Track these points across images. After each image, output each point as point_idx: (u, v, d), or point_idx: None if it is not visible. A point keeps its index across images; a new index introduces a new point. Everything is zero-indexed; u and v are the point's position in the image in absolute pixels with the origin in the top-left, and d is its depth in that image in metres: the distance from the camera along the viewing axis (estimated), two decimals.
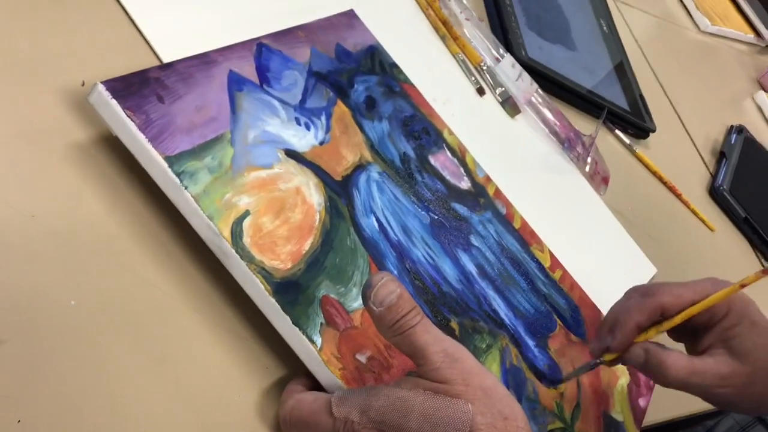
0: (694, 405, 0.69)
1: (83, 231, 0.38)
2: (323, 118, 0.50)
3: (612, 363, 0.49)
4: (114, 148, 0.41)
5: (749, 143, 1.06)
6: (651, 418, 0.62)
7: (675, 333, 0.50)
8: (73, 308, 0.36)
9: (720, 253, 0.90)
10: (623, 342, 0.47)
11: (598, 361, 0.49)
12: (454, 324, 0.48)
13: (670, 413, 0.66)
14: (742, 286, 0.45)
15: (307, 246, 0.42)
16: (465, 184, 0.58)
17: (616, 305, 0.49)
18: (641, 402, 0.59)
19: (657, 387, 0.62)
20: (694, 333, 0.48)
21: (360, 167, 0.50)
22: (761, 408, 0.47)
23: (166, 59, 0.46)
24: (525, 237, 0.60)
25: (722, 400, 0.46)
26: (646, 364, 0.46)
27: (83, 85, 0.43)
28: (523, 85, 0.76)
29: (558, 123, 0.77)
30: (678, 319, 0.47)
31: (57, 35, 0.44)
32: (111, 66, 0.45)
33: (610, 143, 0.88)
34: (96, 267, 0.38)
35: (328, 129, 0.49)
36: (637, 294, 0.48)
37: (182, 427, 0.37)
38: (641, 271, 0.74)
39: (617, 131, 0.89)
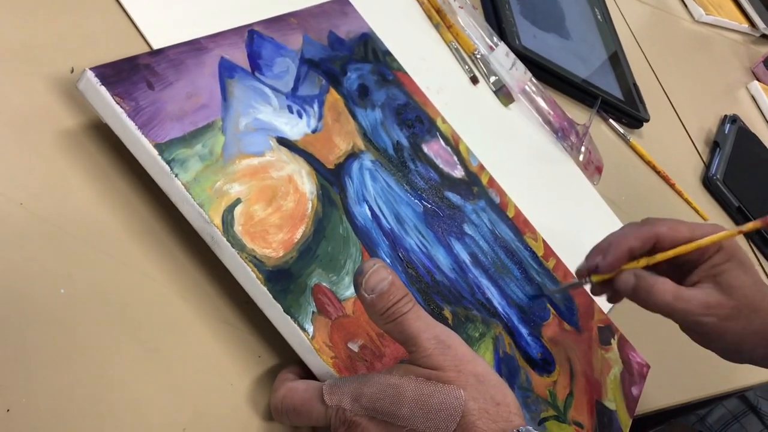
0: (686, 394, 0.70)
1: (72, 219, 0.38)
2: (315, 106, 0.49)
3: (599, 288, 0.49)
4: (103, 135, 0.41)
5: (743, 133, 1.06)
6: (643, 407, 0.63)
7: (661, 268, 0.50)
8: (62, 296, 0.36)
9: None
10: (613, 263, 0.47)
11: (585, 280, 0.49)
12: (447, 313, 0.48)
13: (662, 402, 0.66)
14: (740, 231, 0.47)
15: (299, 234, 0.42)
16: (458, 173, 0.58)
17: (611, 233, 0.50)
18: (634, 391, 0.59)
19: (650, 376, 0.62)
20: (680, 270, 0.49)
21: (353, 155, 0.50)
22: (741, 347, 0.48)
23: (156, 46, 0.46)
24: (518, 226, 0.60)
25: (704, 330, 0.47)
26: (636, 288, 0.47)
27: (72, 72, 0.42)
28: (517, 74, 0.75)
29: (552, 112, 0.77)
30: (672, 253, 0.47)
31: (46, 22, 0.44)
32: (101, 53, 0.44)
33: (603, 132, 0.88)
34: (86, 255, 0.38)
35: (320, 117, 0.49)
36: (634, 224, 0.49)
37: (174, 416, 0.37)
38: None
39: (611, 120, 0.89)
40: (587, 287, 0.51)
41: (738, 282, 0.47)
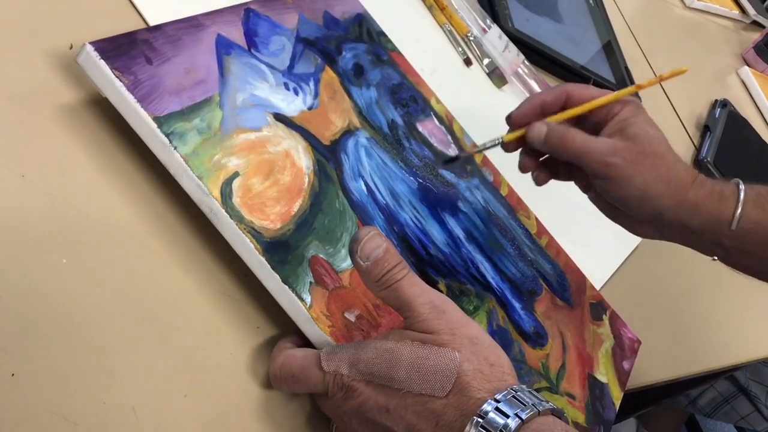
0: (678, 370, 0.71)
1: (73, 191, 0.39)
2: (311, 83, 0.50)
3: (513, 144, 0.52)
4: (103, 109, 0.41)
5: (733, 117, 1.07)
6: (635, 381, 0.64)
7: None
8: (64, 266, 0.37)
9: None
10: (525, 113, 0.51)
11: (498, 139, 0.52)
12: (441, 286, 0.49)
13: (653, 377, 0.67)
14: (639, 87, 0.51)
15: (296, 207, 0.43)
16: (452, 152, 0.59)
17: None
18: (625, 365, 0.60)
19: (641, 352, 0.63)
20: (592, 130, 0.51)
21: (348, 132, 0.50)
22: (648, 193, 0.48)
23: (153, 23, 0.46)
24: (512, 204, 0.61)
25: (613, 173, 0.48)
26: (547, 136, 0.49)
27: (71, 48, 0.43)
28: (510, 56, 0.76)
29: None
30: (580, 109, 0.50)
31: None
32: (98, 30, 0.44)
33: None
34: (86, 227, 0.38)
35: (316, 94, 0.50)
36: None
37: (174, 385, 0.37)
38: (626, 239, 0.75)
39: None
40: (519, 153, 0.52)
41: (644, 132, 0.48)
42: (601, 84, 0.87)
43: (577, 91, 0.51)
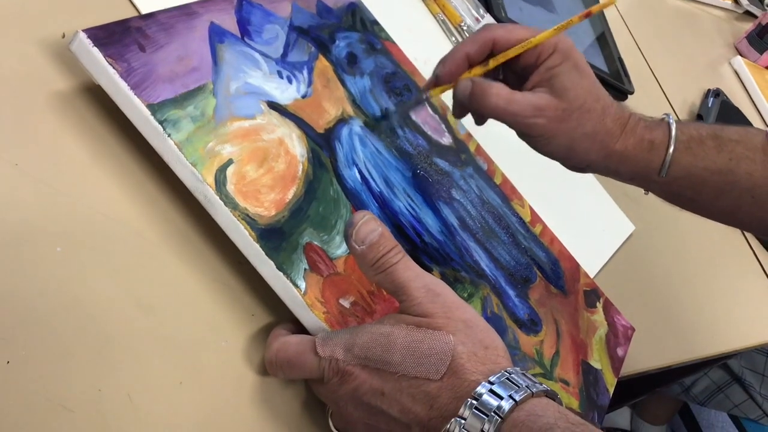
0: (671, 357, 0.71)
1: (67, 179, 0.39)
2: (305, 72, 0.50)
3: (439, 101, 0.49)
4: (96, 97, 0.41)
5: (726, 106, 1.07)
6: (629, 368, 0.64)
7: (503, 78, 0.50)
8: (59, 254, 0.37)
9: None
10: (450, 70, 0.48)
11: (424, 96, 0.50)
12: (436, 273, 0.49)
13: (647, 364, 0.68)
14: (564, 27, 0.46)
15: (290, 195, 0.43)
16: (446, 140, 0.59)
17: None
18: (619, 351, 0.61)
19: (635, 340, 0.64)
20: (520, 77, 0.49)
21: (342, 121, 0.50)
22: (574, 148, 0.48)
23: (145, 12, 0.46)
24: (506, 192, 0.61)
25: (535, 131, 0.47)
26: (471, 93, 0.47)
27: (63, 37, 0.43)
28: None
29: None
30: (503, 57, 0.47)
31: None
32: (90, 18, 0.44)
33: None
34: (80, 214, 0.38)
35: (310, 83, 0.50)
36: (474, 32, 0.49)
37: (170, 373, 0.38)
38: (620, 228, 0.76)
39: None
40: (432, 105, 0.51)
41: (571, 84, 0.46)
42: (596, 75, 0.87)
43: (504, 34, 0.47)
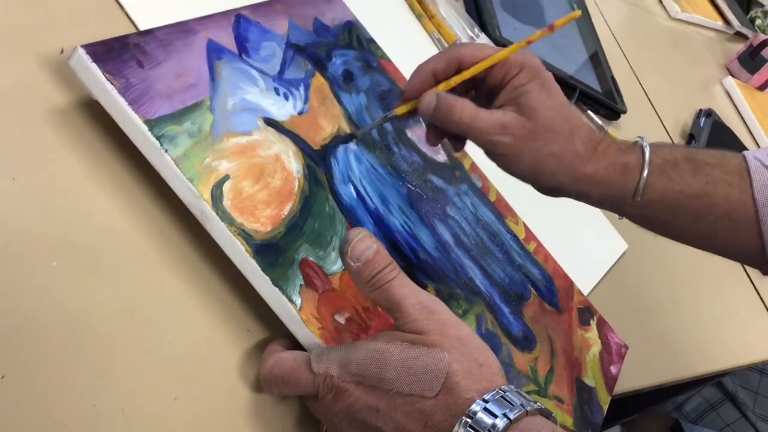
0: (664, 375, 0.71)
1: (64, 194, 0.39)
2: (301, 89, 0.50)
3: (406, 116, 0.49)
4: (94, 112, 0.41)
5: (717, 126, 1.09)
6: (622, 386, 0.64)
7: (470, 96, 0.50)
8: (54, 269, 0.37)
9: None
10: (416, 86, 0.47)
11: (389, 113, 0.49)
12: (431, 290, 0.49)
13: (640, 382, 0.68)
14: (529, 42, 0.46)
15: (286, 210, 0.43)
16: (441, 157, 0.59)
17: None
18: (613, 369, 0.61)
19: (628, 357, 0.64)
20: (488, 95, 0.48)
21: (338, 137, 0.51)
22: (540, 169, 0.47)
23: (143, 28, 0.47)
24: (500, 209, 0.61)
25: (501, 150, 0.46)
26: (436, 108, 0.46)
27: (62, 52, 0.43)
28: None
29: None
30: (468, 73, 0.46)
31: (34, 4, 0.44)
32: (89, 34, 0.44)
33: None
34: (77, 230, 0.38)
35: (306, 100, 0.50)
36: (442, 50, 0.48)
37: (164, 388, 0.37)
38: (613, 246, 0.76)
39: (589, 112, 0.90)
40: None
41: (538, 103, 0.46)
42: (588, 94, 0.88)
43: (470, 53, 0.47)
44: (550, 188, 0.49)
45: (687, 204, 0.49)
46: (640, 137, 0.50)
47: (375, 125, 0.53)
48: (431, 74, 0.47)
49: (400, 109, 0.49)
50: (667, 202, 0.49)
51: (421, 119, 0.55)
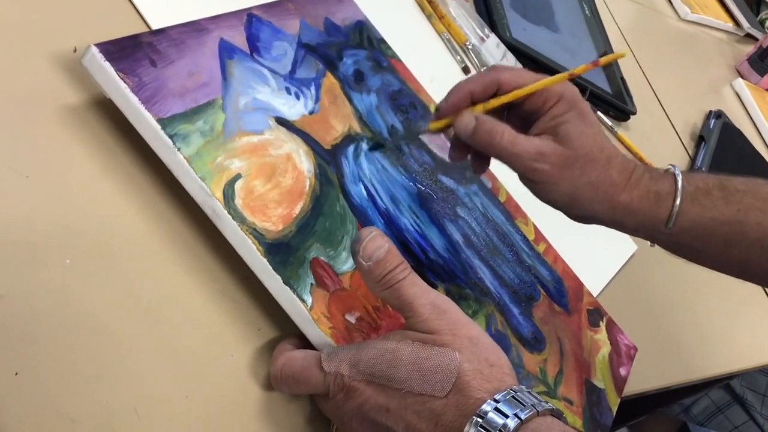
0: (673, 377, 0.71)
1: (77, 192, 0.39)
2: (313, 88, 0.50)
3: (440, 130, 0.49)
4: (107, 111, 0.41)
5: (727, 128, 1.08)
6: (631, 388, 0.64)
7: (508, 121, 0.49)
8: (68, 266, 0.37)
9: None
10: (453, 104, 0.47)
11: (423, 128, 0.49)
12: (440, 290, 0.49)
13: (649, 384, 0.68)
14: (572, 75, 0.47)
15: (297, 210, 0.43)
16: None
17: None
18: (622, 371, 0.61)
19: (637, 359, 0.64)
20: (525, 122, 0.49)
21: (349, 137, 0.51)
22: (577, 197, 0.47)
23: (155, 27, 0.47)
24: (510, 210, 0.61)
25: (538, 177, 0.46)
26: (475, 129, 0.46)
27: (75, 51, 0.43)
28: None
29: None
30: (506, 98, 0.47)
31: (48, 3, 0.44)
32: (101, 33, 0.45)
33: None
34: (90, 228, 0.39)
35: (317, 99, 0.50)
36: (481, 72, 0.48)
37: (176, 386, 0.38)
38: (622, 248, 0.76)
39: (599, 113, 0.90)
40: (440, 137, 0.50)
41: (576, 132, 0.46)
42: (597, 95, 0.88)
43: (510, 77, 0.47)
44: (584, 216, 0.50)
45: (719, 231, 0.49)
46: (671, 165, 0.51)
47: (408, 139, 0.53)
48: (468, 94, 0.47)
49: (434, 125, 0.49)
50: (700, 229, 0.49)
51: (443, 133, 0.54)
